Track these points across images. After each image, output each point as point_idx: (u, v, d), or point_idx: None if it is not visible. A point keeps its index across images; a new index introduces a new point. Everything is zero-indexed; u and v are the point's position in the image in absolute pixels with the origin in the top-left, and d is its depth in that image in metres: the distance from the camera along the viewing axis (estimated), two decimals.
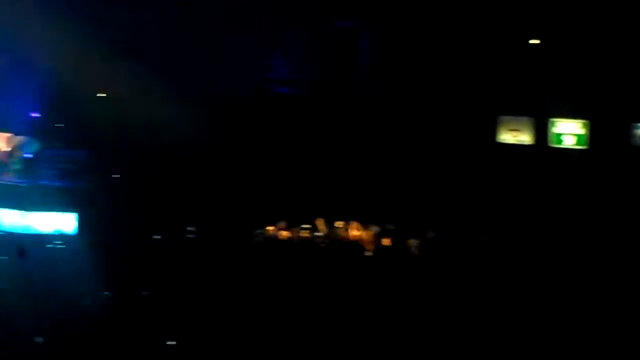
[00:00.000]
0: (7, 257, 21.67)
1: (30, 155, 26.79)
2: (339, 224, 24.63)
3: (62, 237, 24.68)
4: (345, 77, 29.10)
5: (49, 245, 23.73)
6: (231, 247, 23.29)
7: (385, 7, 28.07)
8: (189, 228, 24.71)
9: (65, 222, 25.51)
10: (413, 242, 23.78)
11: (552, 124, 27.73)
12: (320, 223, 24.38)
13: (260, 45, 28.63)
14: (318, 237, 23.97)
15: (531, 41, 27.88)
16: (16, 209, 25.51)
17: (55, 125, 27.70)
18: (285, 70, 29.34)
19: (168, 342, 17.95)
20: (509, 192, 27.22)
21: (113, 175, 27.18)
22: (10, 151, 26.70)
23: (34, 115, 27.63)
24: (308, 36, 29.10)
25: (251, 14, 27.99)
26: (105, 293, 20.52)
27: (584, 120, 27.72)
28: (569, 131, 27.64)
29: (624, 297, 20.52)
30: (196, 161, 27.46)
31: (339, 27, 28.93)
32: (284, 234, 24.24)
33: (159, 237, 24.48)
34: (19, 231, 24.98)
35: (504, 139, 28.30)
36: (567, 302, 20.41)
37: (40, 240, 24.07)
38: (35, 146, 26.87)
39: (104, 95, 27.72)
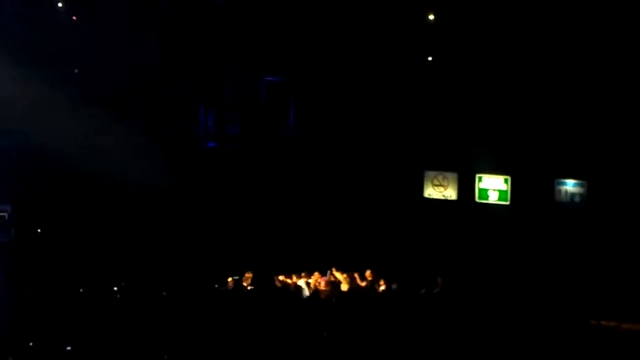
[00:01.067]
0: None
1: None
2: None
3: None
4: (275, 131, 29.14)
5: None
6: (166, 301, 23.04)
7: (315, 62, 28.27)
8: (117, 283, 24.34)
9: None
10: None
11: (478, 179, 27.94)
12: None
13: (190, 99, 28.65)
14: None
15: (455, 96, 28.15)
16: None
17: None
18: (213, 124, 29.30)
19: None
20: (434, 246, 27.42)
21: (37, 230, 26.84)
22: None
23: None
24: (237, 90, 29.18)
25: (181, 67, 28.08)
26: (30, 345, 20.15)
27: (506, 176, 27.89)
28: (493, 186, 27.83)
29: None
30: (124, 214, 27.21)
31: (268, 81, 29.01)
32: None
33: (83, 290, 24.08)
34: None
35: (430, 194, 28.44)
36: None
37: None
38: None
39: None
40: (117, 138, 27.78)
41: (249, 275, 23.82)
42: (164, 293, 23.29)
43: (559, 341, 21.89)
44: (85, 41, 28.01)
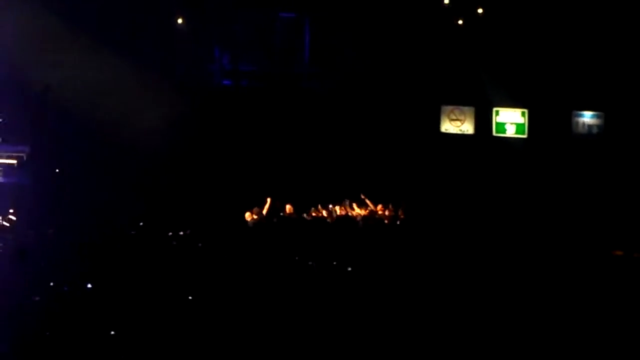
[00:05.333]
0: None
1: None
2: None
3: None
4: (289, 69, 28.94)
5: None
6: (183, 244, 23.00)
7: None
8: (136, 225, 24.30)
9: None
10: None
11: (495, 112, 27.83)
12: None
13: (204, 37, 28.43)
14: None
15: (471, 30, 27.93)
16: None
17: None
18: (228, 62, 29.08)
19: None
20: (453, 181, 27.38)
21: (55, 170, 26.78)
22: None
23: None
24: (251, 27, 28.93)
25: (194, 6, 27.86)
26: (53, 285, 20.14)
27: (523, 109, 27.80)
28: (511, 120, 27.75)
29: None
30: (141, 156, 27.11)
31: (283, 18, 28.76)
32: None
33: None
34: None
35: (447, 129, 28.34)
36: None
37: None
38: None
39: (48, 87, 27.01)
40: (131, 78, 27.61)
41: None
42: (187, 232, 23.29)
43: (582, 272, 21.93)
44: None
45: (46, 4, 26.61)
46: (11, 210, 24.63)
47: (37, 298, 18.68)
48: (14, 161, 26.36)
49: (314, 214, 23.87)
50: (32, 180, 26.14)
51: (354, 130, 27.82)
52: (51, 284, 19.32)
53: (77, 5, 27.01)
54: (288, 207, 23.68)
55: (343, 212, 24.06)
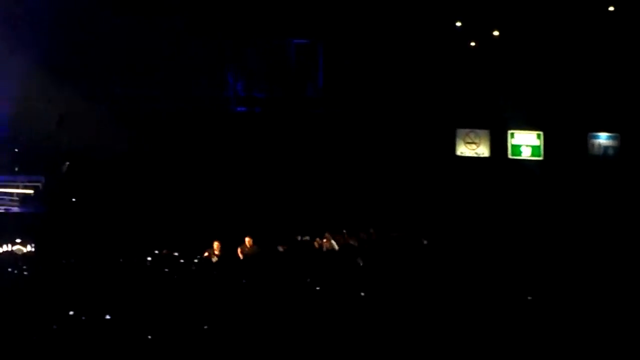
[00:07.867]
0: None
1: None
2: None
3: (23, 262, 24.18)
4: (303, 95, 28.99)
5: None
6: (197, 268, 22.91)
7: (342, 24, 28.07)
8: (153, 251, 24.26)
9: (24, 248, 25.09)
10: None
11: (511, 135, 27.79)
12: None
13: (217, 65, 28.50)
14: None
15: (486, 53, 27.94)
16: None
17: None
18: (242, 88, 29.16)
19: None
20: (469, 204, 27.26)
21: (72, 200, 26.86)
22: None
23: None
24: (265, 54, 29.01)
25: (208, 32, 27.93)
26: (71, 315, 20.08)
27: (539, 131, 27.75)
28: (526, 142, 27.69)
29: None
30: (157, 182, 27.15)
31: (296, 44, 28.84)
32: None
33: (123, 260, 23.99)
34: None
35: (462, 152, 28.32)
36: None
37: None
38: None
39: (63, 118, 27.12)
40: (146, 107, 27.75)
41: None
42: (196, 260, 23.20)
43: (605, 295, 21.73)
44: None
45: (56, 36, 26.80)
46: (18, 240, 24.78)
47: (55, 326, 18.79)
48: (31, 191, 26.54)
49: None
50: (48, 209, 26.26)
51: (369, 154, 27.81)
52: (70, 312, 19.46)
53: (88, 37, 27.19)
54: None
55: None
